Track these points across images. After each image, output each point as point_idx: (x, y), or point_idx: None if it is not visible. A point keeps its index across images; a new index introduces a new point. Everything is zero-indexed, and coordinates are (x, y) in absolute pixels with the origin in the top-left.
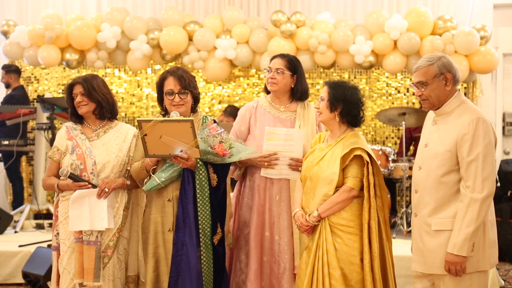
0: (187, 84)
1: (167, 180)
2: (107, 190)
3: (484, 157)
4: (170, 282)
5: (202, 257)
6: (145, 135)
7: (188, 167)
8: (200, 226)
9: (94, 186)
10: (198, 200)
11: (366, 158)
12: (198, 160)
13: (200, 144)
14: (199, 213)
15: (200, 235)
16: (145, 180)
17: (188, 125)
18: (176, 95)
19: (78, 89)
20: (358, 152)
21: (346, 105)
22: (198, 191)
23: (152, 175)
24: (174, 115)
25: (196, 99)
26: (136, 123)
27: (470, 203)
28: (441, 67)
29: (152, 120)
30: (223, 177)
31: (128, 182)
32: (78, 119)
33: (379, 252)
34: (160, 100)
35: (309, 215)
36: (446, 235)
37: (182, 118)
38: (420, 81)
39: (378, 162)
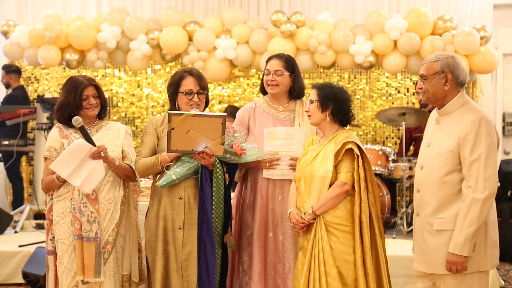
0: (205, 85)
1: (182, 177)
2: (102, 154)
3: (486, 157)
4: (198, 281)
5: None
6: (172, 129)
7: (208, 165)
8: (214, 224)
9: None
10: (214, 198)
11: (357, 151)
12: (216, 158)
13: None
14: (214, 211)
15: (215, 232)
16: (158, 176)
17: (220, 121)
18: (195, 95)
19: (91, 91)
20: (349, 146)
21: (337, 103)
22: (214, 189)
23: (166, 171)
24: (194, 111)
25: (207, 99)
26: (136, 123)
27: (472, 203)
28: (444, 66)
29: (184, 113)
30: (231, 178)
31: (117, 163)
32: (70, 120)
33: (372, 248)
34: (173, 99)
35: (304, 213)
36: (448, 235)
37: (214, 113)
38: (422, 74)
39: (378, 162)
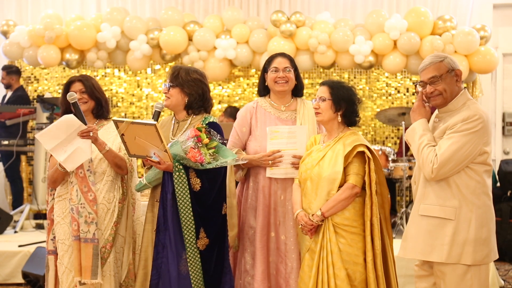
0: (174, 77)
1: (154, 181)
2: (91, 134)
3: (462, 141)
4: (151, 285)
5: (188, 260)
6: (123, 134)
7: (164, 170)
8: (184, 230)
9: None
10: (178, 203)
11: (368, 154)
12: (177, 163)
13: (176, 148)
14: (181, 217)
15: (185, 238)
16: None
17: (152, 129)
18: (165, 87)
19: (77, 87)
20: (360, 149)
21: (350, 106)
22: (177, 194)
23: (144, 174)
24: (159, 105)
25: (190, 99)
26: None
27: (430, 155)
28: (451, 63)
29: (124, 120)
30: (209, 181)
31: (107, 148)
32: None
33: (381, 250)
34: None
35: (312, 215)
36: (430, 221)
37: (147, 121)
38: (433, 76)
39: (378, 159)
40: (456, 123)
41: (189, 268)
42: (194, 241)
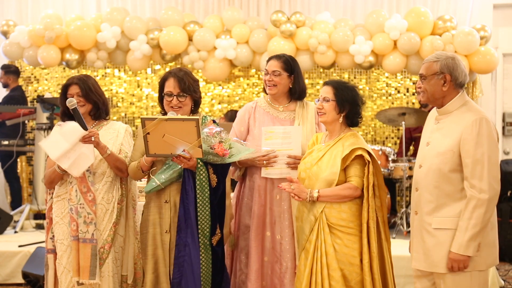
0: (187, 87)
1: (167, 182)
2: (93, 139)
3: (489, 157)
4: (172, 283)
5: (201, 257)
6: (148, 133)
7: (189, 167)
8: (199, 227)
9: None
10: (198, 201)
11: (367, 157)
12: (199, 160)
13: None
14: (198, 214)
15: (199, 236)
16: (146, 181)
17: (193, 124)
18: (175, 97)
19: (74, 90)
20: (359, 152)
21: (353, 107)
22: (198, 191)
23: (152, 176)
24: (172, 115)
25: (196, 102)
26: (136, 123)
27: (477, 203)
28: (444, 67)
29: (157, 118)
30: (223, 178)
31: (109, 152)
32: (71, 119)
33: (378, 252)
34: (161, 99)
35: (310, 191)
36: (446, 233)
37: (187, 117)
38: (421, 74)
39: (378, 162)
40: (468, 140)
41: (201, 266)
42: (208, 238)
